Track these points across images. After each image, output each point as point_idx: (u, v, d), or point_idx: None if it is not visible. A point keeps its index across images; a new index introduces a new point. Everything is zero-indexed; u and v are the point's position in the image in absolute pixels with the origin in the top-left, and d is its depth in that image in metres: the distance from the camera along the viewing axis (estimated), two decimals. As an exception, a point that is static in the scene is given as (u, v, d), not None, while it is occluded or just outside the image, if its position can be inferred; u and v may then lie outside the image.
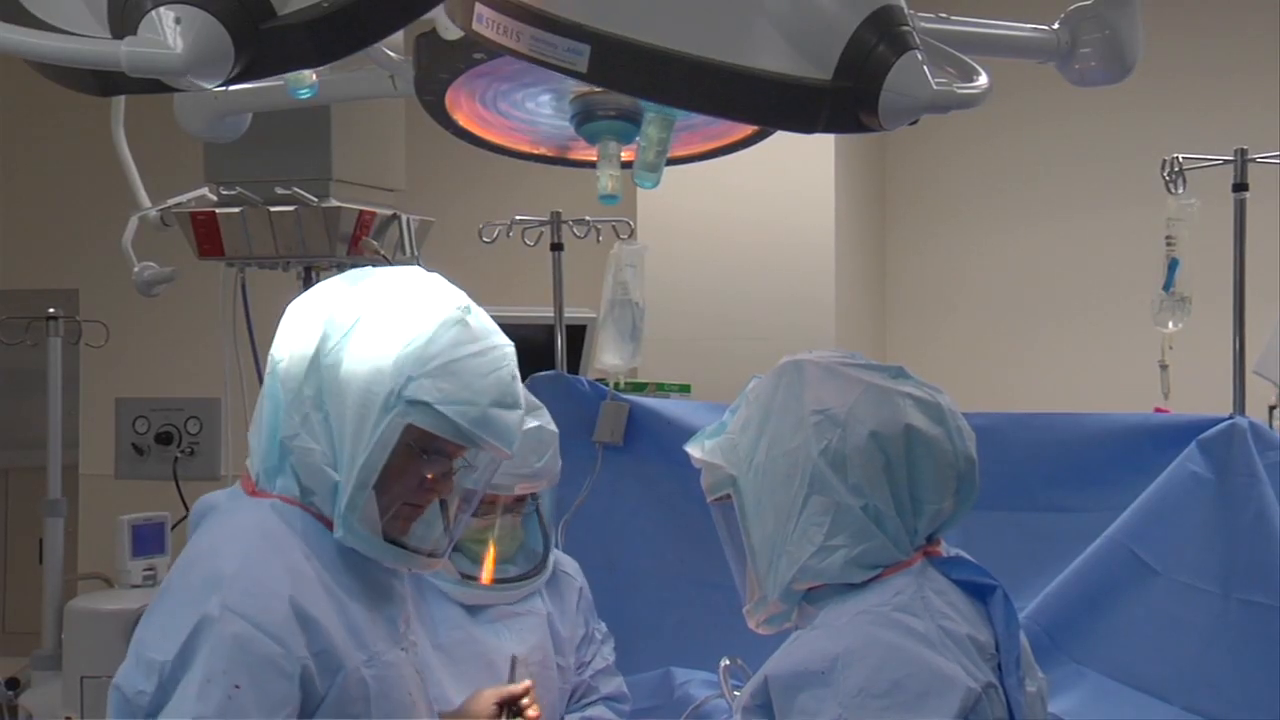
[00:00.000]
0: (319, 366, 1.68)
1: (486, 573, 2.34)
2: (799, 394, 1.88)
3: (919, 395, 1.87)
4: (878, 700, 1.71)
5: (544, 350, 3.17)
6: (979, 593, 1.87)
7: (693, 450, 2.01)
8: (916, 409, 1.85)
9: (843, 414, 1.83)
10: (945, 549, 1.91)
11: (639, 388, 3.49)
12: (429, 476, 1.73)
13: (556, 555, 2.52)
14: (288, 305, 1.81)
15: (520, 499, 2.36)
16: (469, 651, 2.32)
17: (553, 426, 2.35)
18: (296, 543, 1.67)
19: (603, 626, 2.59)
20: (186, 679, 1.54)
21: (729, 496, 1.93)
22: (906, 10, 1.40)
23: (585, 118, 1.72)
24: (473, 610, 2.36)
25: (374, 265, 1.86)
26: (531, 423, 2.28)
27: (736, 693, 2.17)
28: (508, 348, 1.77)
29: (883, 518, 1.81)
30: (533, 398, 2.34)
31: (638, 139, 1.71)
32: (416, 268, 1.84)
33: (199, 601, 1.57)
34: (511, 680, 2.17)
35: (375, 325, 1.69)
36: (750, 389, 1.99)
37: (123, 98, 2.74)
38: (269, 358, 1.76)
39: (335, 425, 1.67)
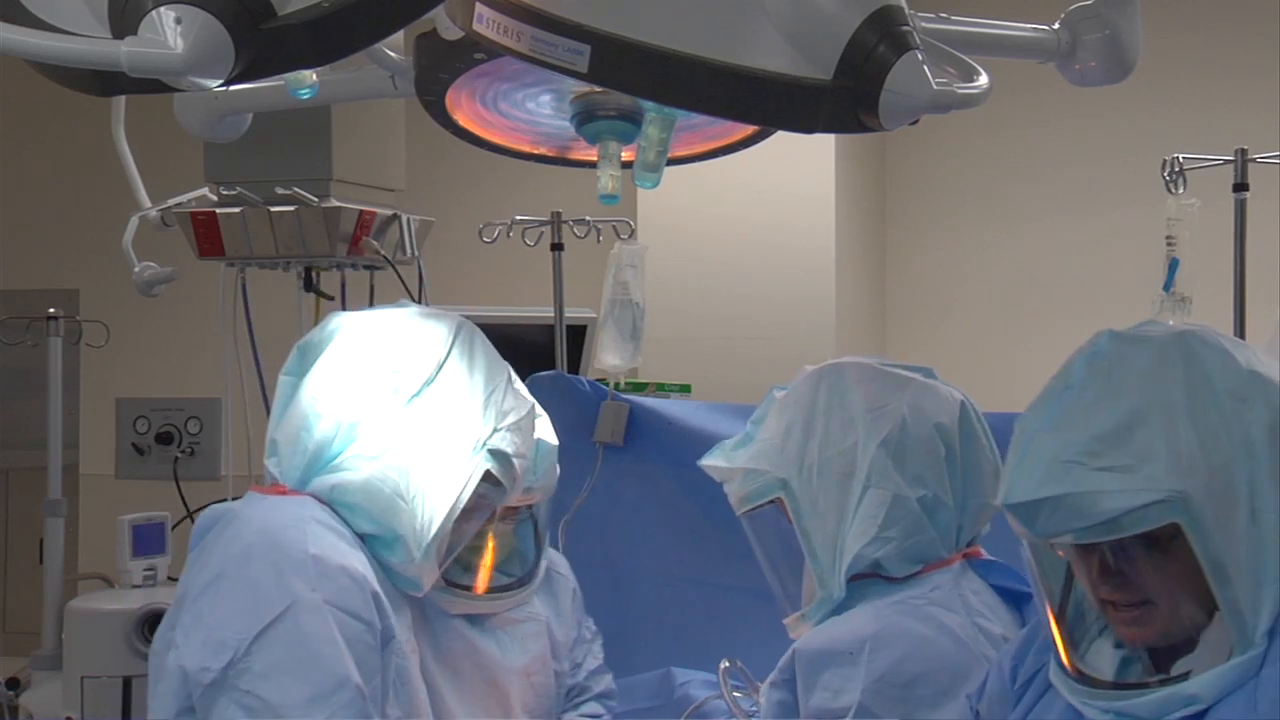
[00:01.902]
0: (413, 409, 1.78)
1: (480, 582, 2.32)
2: (845, 394, 1.90)
3: (960, 393, 1.91)
4: (896, 690, 1.72)
5: (544, 350, 3.17)
6: (1014, 599, 1.88)
7: (718, 462, 2.01)
8: (967, 401, 1.89)
9: (904, 407, 1.86)
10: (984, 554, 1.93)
11: (639, 388, 3.49)
12: (479, 511, 1.90)
13: (550, 556, 2.50)
14: (334, 316, 1.93)
15: (514, 508, 2.34)
16: (472, 663, 2.29)
17: (553, 439, 2.29)
18: (345, 532, 1.75)
19: (591, 624, 2.55)
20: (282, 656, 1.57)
21: (771, 503, 1.93)
22: (907, 10, 1.40)
23: (585, 118, 1.72)
24: (474, 619, 2.34)
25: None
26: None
27: (736, 694, 2.17)
28: (533, 402, 1.97)
29: (938, 509, 1.83)
30: (538, 407, 2.33)
31: (638, 139, 1.71)
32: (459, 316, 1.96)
33: (284, 584, 1.61)
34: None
35: (458, 374, 1.84)
36: (780, 397, 1.99)
37: (123, 98, 2.74)
38: (306, 373, 1.83)
39: (427, 460, 1.77)
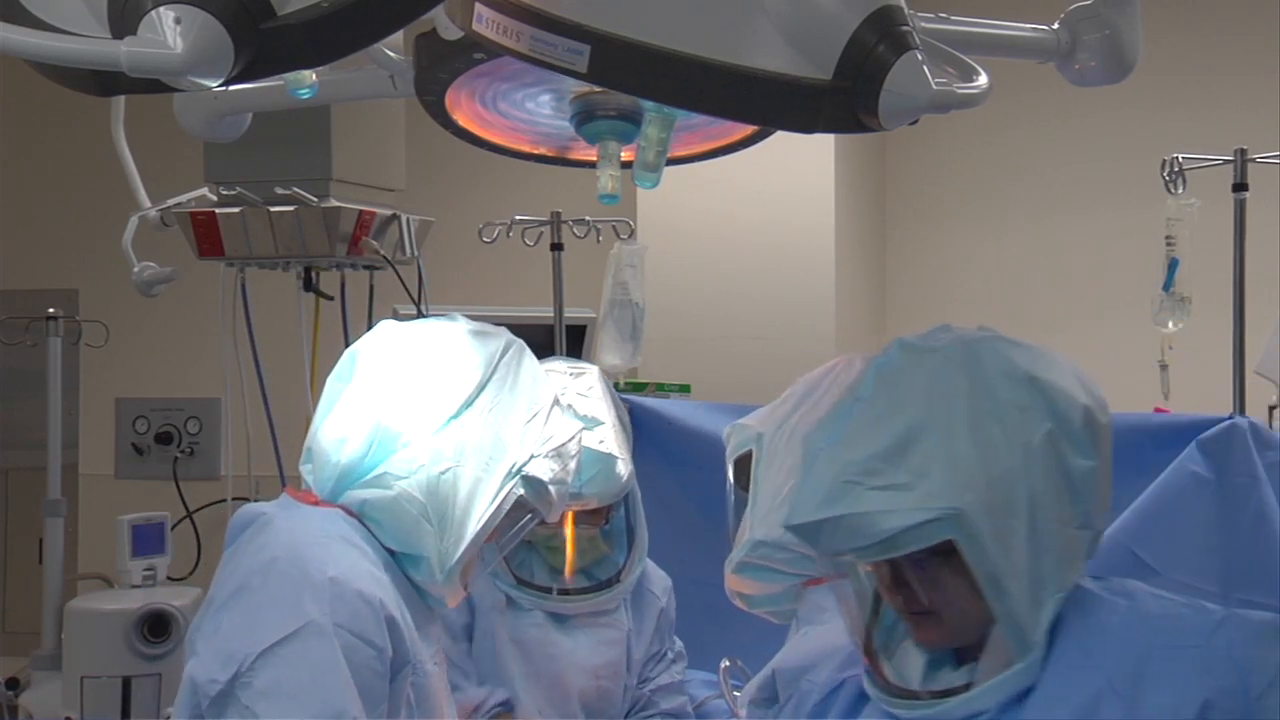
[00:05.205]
0: (451, 429, 1.76)
1: (551, 582, 2.36)
2: (845, 381, 1.94)
3: None
4: None
5: (544, 350, 3.17)
6: None
7: (728, 428, 2.09)
8: None
9: None
10: None
11: (639, 388, 3.50)
12: (511, 533, 1.88)
13: (647, 572, 2.51)
14: (382, 325, 1.91)
15: (593, 512, 2.35)
16: (542, 652, 2.35)
17: (604, 448, 2.29)
18: (369, 551, 1.74)
19: (677, 645, 2.59)
20: (285, 677, 1.58)
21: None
22: (906, 10, 1.40)
23: (585, 118, 1.72)
24: (557, 616, 2.36)
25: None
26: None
27: (736, 693, 2.17)
28: (580, 426, 1.95)
29: None
30: (602, 415, 2.31)
31: (638, 139, 1.71)
32: (506, 330, 1.92)
33: (298, 605, 1.61)
34: None
35: (500, 396, 1.81)
36: (798, 382, 2.10)
37: (123, 98, 2.74)
38: (359, 380, 1.82)
39: (457, 482, 1.75)
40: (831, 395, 1.94)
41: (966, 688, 1.49)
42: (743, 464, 2.05)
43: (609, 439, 2.30)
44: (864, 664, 1.60)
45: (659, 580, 2.54)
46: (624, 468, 2.31)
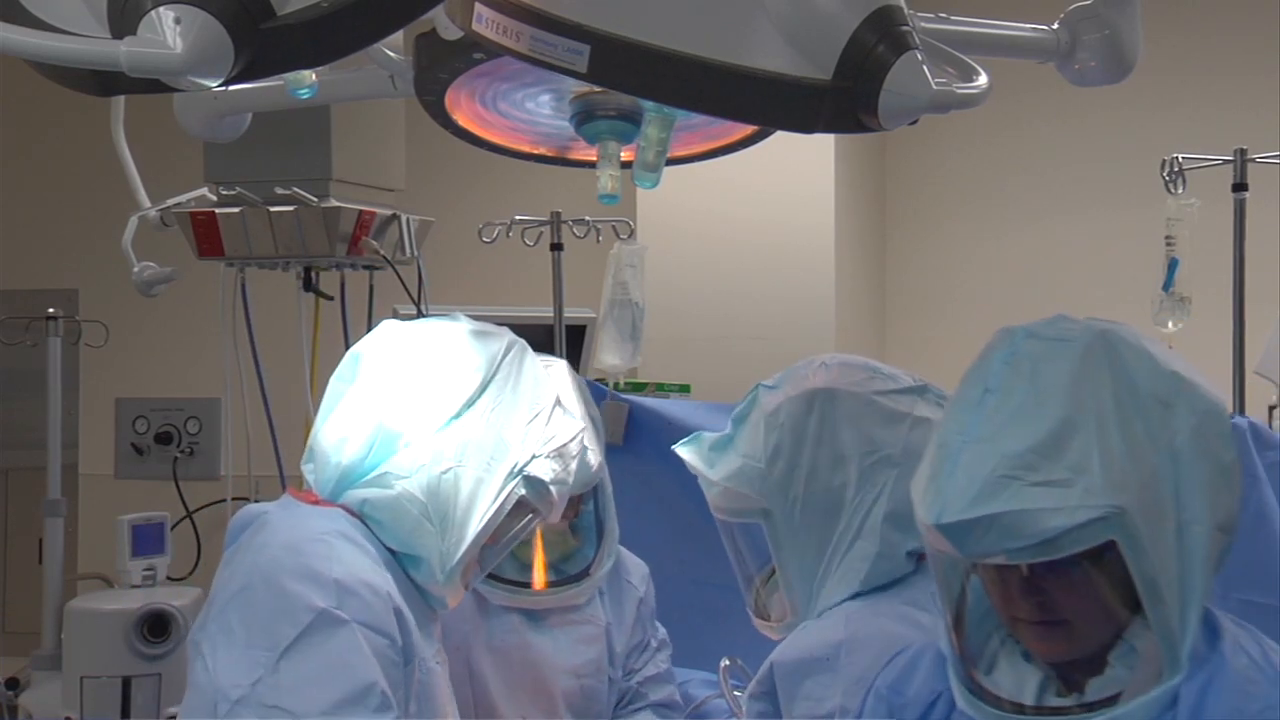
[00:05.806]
0: (452, 429, 1.76)
1: (524, 577, 2.34)
2: (836, 428, 1.88)
3: None
4: None
5: (544, 350, 3.17)
6: None
7: (697, 463, 2.00)
8: None
9: (898, 452, 1.83)
10: None
11: (639, 388, 3.50)
12: (512, 533, 1.87)
13: (623, 562, 2.49)
14: (384, 323, 1.90)
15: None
16: (522, 658, 2.32)
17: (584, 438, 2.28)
18: (370, 549, 1.74)
19: (660, 633, 2.57)
20: (308, 669, 1.58)
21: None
22: (906, 10, 1.40)
23: (585, 118, 1.72)
24: (531, 616, 2.35)
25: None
26: None
27: (736, 693, 2.18)
28: (582, 426, 1.94)
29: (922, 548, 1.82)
30: (568, 402, 2.30)
31: (638, 139, 1.71)
32: (506, 329, 1.91)
33: (308, 600, 1.61)
34: None
35: (502, 396, 1.80)
36: (771, 410, 1.95)
37: (123, 98, 2.74)
38: (368, 378, 1.81)
39: (458, 482, 1.75)
40: (831, 448, 1.89)
41: (1112, 700, 1.41)
42: (743, 528, 1.99)
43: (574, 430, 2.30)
44: (966, 678, 1.50)
45: (636, 569, 2.52)
46: (593, 458, 2.31)
